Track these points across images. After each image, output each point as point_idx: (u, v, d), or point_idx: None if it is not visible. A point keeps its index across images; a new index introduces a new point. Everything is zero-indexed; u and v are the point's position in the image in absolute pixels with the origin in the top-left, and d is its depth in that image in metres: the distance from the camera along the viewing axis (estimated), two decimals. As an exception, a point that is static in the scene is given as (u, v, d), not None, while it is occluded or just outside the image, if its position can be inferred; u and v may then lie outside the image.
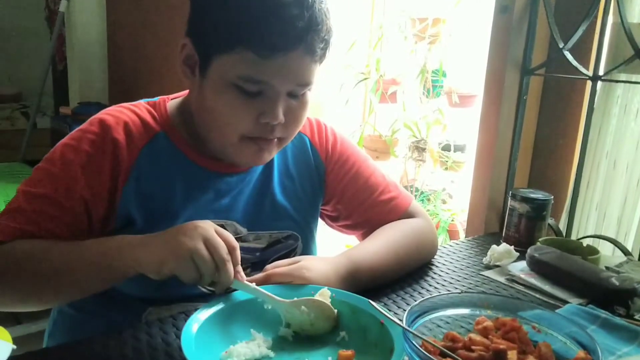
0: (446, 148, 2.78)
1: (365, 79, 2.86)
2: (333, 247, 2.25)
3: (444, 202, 2.93)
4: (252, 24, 0.85)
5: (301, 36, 0.86)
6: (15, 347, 0.58)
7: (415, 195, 2.87)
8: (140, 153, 0.96)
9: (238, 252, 0.83)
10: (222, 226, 1.02)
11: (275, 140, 0.96)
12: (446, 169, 2.79)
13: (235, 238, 1.03)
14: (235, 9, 0.86)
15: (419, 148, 2.85)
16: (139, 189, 0.96)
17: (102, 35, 3.42)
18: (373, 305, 0.80)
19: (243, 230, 1.05)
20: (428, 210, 2.80)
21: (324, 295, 0.85)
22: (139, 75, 3.18)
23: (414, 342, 0.71)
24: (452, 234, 2.77)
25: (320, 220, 1.20)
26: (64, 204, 0.91)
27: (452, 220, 2.80)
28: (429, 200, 2.90)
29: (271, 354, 0.80)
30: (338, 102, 2.94)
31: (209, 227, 0.81)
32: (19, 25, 4.67)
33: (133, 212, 0.96)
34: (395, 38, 2.81)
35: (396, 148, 2.87)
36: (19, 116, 4.45)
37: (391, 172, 2.98)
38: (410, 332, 0.73)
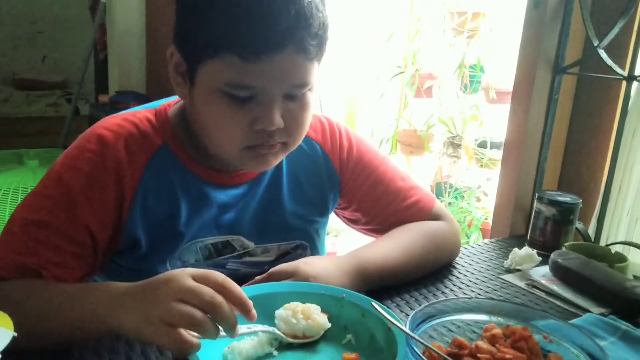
0: (482, 145, 2.73)
1: (402, 72, 2.83)
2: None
3: (478, 199, 2.88)
4: (233, 26, 0.78)
5: (288, 35, 0.78)
6: (16, 334, 0.58)
7: (449, 192, 2.83)
8: (144, 171, 0.91)
9: (232, 286, 0.70)
10: (228, 242, 1.00)
11: (279, 144, 0.89)
12: (482, 166, 2.74)
13: (243, 253, 1.01)
14: (216, 11, 0.79)
15: (454, 144, 2.80)
16: (145, 209, 0.91)
17: (141, 26, 3.47)
18: (375, 308, 0.79)
19: (250, 245, 1.02)
20: (461, 207, 2.76)
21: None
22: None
23: (415, 348, 0.70)
24: (485, 233, 2.73)
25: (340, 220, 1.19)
26: (66, 232, 0.85)
27: (486, 219, 2.75)
28: (463, 197, 2.86)
29: (275, 352, 0.79)
30: (373, 95, 2.92)
31: (181, 277, 0.69)
32: (63, 14, 4.80)
33: (139, 234, 0.92)
34: (433, 31, 2.77)
35: (431, 143, 2.83)
36: (63, 103, 4.58)
37: (425, 168, 2.96)
38: (413, 338, 0.71)
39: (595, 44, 1.28)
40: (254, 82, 0.81)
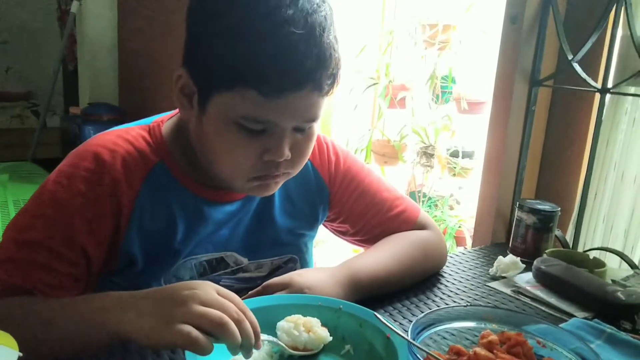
0: (454, 154, 2.79)
1: (375, 84, 2.87)
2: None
3: (451, 208, 2.94)
4: (256, 63, 0.78)
5: (309, 75, 0.80)
6: (21, 354, 0.58)
7: (423, 201, 2.88)
8: (141, 189, 0.90)
9: (251, 314, 0.73)
10: (222, 258, 1.01)
11: (282, 174, 0.91)
12: (454, 175, 2.80)
13: (237, 269, 1.02)
14: (238, 45, 0.78)
15: (427, 154, 2.85)
16: (142, 229, 0.91)
17: (112, 37, 3.45)
18: (378, 318, 0.81)
19: (244, 261, 1.03)
20: (435, 216, 2.81)
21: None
22: (149, 76, 3.20)
23: (418, 355, 0.72)
24: (459, 241, 2.78)
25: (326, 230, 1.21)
26: (61, 253, 0.84)
27: (460, 227, 2.81)
28: (436, 206, 2.91)
29: (274, 365, 0.80)
30: (347, 106, 2.95)
31: (208, 288, 0.72)
32: (29, 25, 4.73)
33: (135, 252, 0.91)
34: (405, 44, 2.82)
35: (404, 153, 2.88)
36: (29, 114, 4.51)
37: (399, 178, 3.00)
38: (415, 346, 0.73)
39: (569, 58, 1.33)
40: (270, 117, 0.82)
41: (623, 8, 1.25)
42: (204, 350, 0.68)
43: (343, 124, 3.03)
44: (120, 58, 3.47)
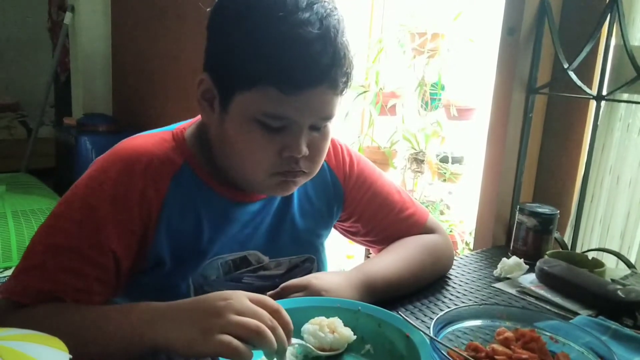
0: (444, 160, 2.84)
1: (365, 92, 2.91)
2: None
3: (441, 213, 2.98)
4: (276, 61, 0.82)
5: (326, 72, 0.84)
6: (71, 356, 0.61)
7: (413, 207, 2.91)
8: (168, 191, 0.93)
9: (284, 314, 0.77)
10: (245, 257, 1.03)
11: (301, 172, 0.94)
12: (444, 180, 2.85)
13: (258, 267, 1.05)
14: (258, 46, 0.83)
15: (417, 160, 2.90)
16: (170, 230, 0.94)
17: (106, 47, 3.46)
18: (403, 317, 0.84)
19: (265, 259, 1.06)
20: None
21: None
22: (143, 86, 3.20)
23: (443, 351, 0.75)
24: (451, 245, 2.81)
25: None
26: (90, 257, 0.86)
27: (450, 231, 2.85)
28: (427, 211, 2.94)
29: (295, 365, 0.83)
30: (338, 114, 2.98)
31: (241, 297, 0.76)
32: (17, 36, 4.71)
33: (164, 253, 0.94)
34: (394, 52, 2.87)
35: (395, 159, 2.92)
36: (17, 125, 4.49)
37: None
38: (440, 343, 0.77)
39: (565, 66, 1.38)
40: (289, 114, 0.86)
41: (616, 18, 1.30)
42: (245, 358, 0.71)
43: (334, 131, 3.06)
44: (114, 68, 3.48)
